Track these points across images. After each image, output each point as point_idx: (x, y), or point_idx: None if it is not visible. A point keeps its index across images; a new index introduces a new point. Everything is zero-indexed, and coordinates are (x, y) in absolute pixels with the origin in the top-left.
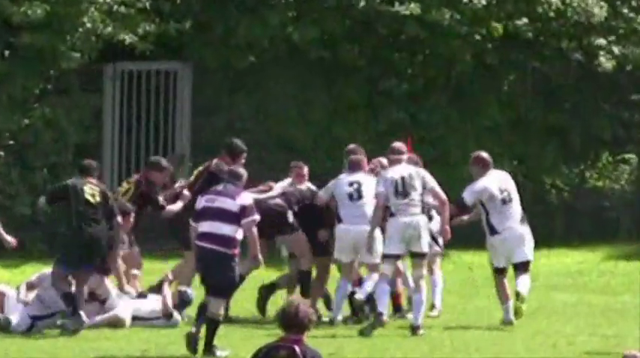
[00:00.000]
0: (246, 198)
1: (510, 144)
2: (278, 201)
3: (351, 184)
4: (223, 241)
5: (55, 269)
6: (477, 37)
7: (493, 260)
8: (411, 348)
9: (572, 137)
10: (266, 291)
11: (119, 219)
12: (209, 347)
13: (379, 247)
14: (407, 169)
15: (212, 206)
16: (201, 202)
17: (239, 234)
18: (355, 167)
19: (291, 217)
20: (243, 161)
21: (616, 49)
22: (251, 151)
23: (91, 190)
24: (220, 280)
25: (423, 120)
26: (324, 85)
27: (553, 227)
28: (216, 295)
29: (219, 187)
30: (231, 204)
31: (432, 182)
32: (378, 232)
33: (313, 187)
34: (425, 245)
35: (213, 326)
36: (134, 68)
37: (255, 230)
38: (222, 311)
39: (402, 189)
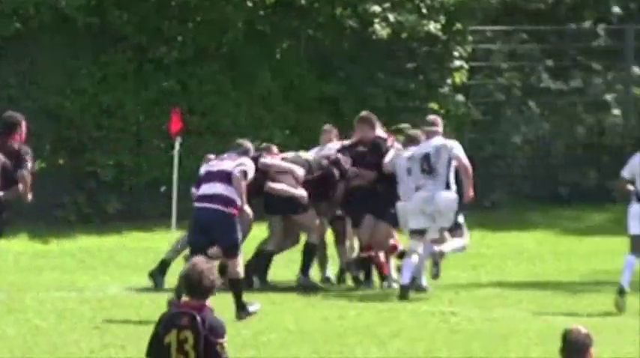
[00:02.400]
0: (245, 159)
1: (283, 113)
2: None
3: (410, 158)
4: (222, 200)
5: None
6: (249, 4)
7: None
8: None
9: (346, 106)
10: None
11: (20, 186)
12: (240, 306)
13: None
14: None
15: (212, 170)
16: (204, 168)
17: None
18: (414, 141)
19: (304, 198)
20: None
21: (391, 17)
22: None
23: None
24: (222, 240)
25: (194, 89)
26: (92, 53)
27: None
28: (226, 256)
29: (224, 155)
30: (230, 165)
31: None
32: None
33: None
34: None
35: (236, 287)
36: None
37: (244, 182)
38: (240, 270)
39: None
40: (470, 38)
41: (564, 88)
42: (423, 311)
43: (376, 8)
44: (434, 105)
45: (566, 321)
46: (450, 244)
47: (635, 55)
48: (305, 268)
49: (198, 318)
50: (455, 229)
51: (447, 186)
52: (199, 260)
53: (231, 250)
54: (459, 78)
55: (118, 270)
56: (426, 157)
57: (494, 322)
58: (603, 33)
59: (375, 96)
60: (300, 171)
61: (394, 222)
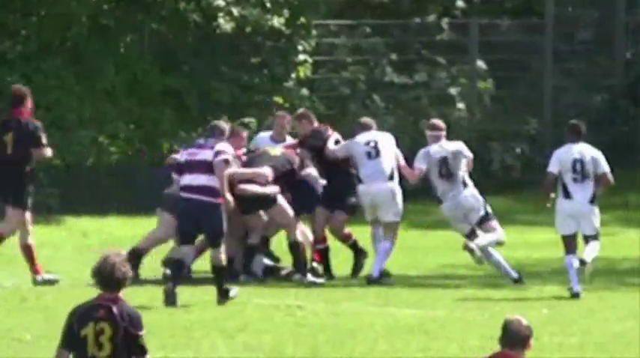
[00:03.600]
0: (224, 145)
1: (127, 107)
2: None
3: (367, 143)
4: (207, 191)
5: None
6: None
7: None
8: None
9: (190, 100)
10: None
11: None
12: (222, 292)
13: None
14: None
15: (194, 159)
16: (183, 155)
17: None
18: (366, 127)
19: (275, 193)
20: None
21: (235, 11)
22: None
23: None
24: (209, 230)
25: (39, 83)
26: None
27: None
28: (211, 246)
29: (201, 141)
30: (210, 154)
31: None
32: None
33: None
34: None
35: (220, 274)
36: None
37: (225, 171)
38: (223, 257)
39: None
40: (314, 32)
41: (409, 81)
42: (269, 304)
43: (220, 2)
44: (279, 100)
45: (413, 315)
46: (486, 238)
47: (479, 48)
48: (248, 263)
49: (115, 310)
50: (487, 221)
51: (464, 184)
52: (111, 253)
53: (216, 239)
54: (304, 72)
55: None
56: (443, 161)
57: (341, 316)
58: (447, 27)
59: (219, 91)
60: (267, 171)
61: (351, 212)
